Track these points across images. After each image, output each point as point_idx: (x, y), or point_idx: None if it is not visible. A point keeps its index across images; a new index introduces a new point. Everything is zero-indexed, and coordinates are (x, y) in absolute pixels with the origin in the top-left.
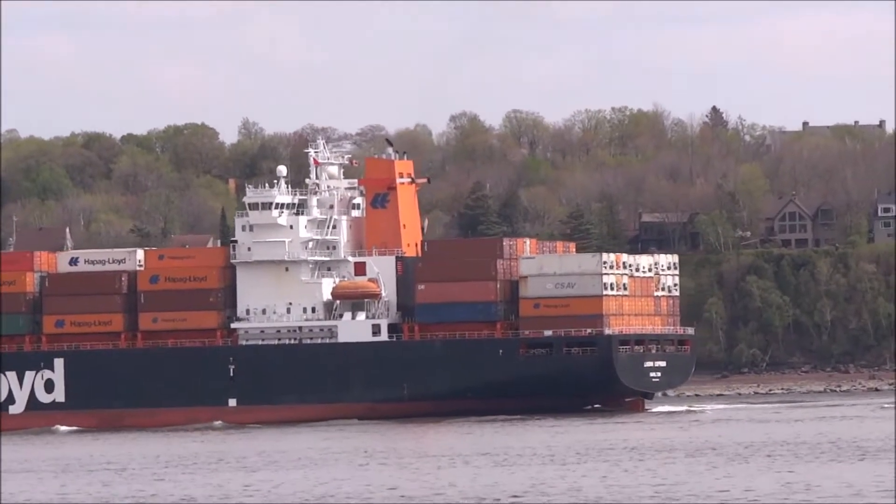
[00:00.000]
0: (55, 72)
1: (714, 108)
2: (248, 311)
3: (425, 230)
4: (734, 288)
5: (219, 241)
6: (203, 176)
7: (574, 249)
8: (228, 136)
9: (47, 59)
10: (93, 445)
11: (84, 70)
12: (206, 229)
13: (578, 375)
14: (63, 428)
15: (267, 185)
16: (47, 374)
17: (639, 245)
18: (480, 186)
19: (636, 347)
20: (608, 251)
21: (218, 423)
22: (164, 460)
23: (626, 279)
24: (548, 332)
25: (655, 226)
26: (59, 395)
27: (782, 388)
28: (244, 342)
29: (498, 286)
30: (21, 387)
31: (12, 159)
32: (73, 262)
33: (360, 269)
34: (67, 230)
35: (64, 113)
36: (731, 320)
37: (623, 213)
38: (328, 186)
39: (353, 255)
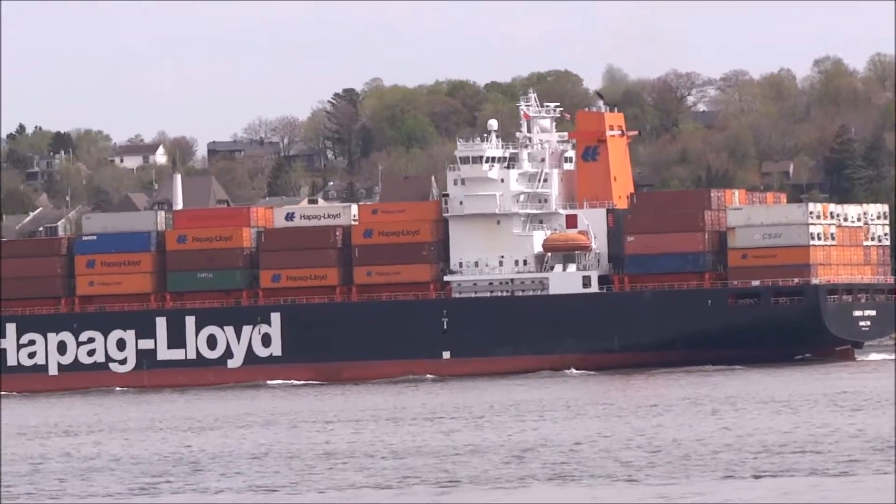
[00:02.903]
0: (419, 21)
1: None
2: (460, 265)
3: (791, 174)
4: None
5: None
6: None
7: (784, 200)
8: (592, 82)
9: (410, 9)
10: (371, 397)
11: (445, 19)
12: None
13: (786, 325)
14: (276, 382)
15: (478, 138)
16: (264, 328)
17: None
18: (845, 130)
19: (845, 297)
20: None
21: (431, 375)
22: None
23: (833, 229)
24: (755, 283)
25: None
26: (276, 349)
27: None
28: (457, 295)
29: (706, 237)
30: (239, 341)
31: (377, 108)
32: (290, 217)
33: (571, 221)
34: (433, 178)
35: (428, 61)
36: None
37: None
38: (540, 140)
39: (565, 208)
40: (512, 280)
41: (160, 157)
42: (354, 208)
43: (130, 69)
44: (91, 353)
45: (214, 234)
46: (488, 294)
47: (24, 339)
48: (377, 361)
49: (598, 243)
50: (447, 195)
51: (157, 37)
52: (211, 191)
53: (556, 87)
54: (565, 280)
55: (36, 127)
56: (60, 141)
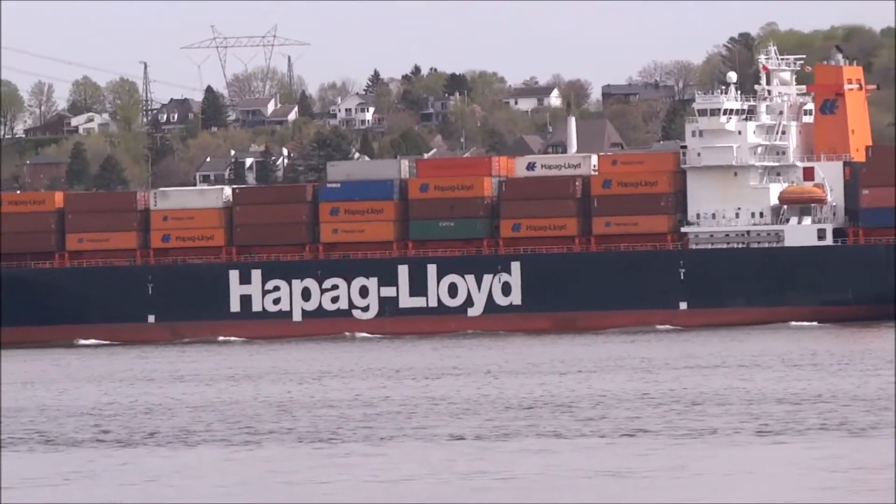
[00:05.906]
0: None
1: None
2: (697, 216)
3: None
4: None
5: None
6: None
7: None
8: None
9: None
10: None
11: None
12: None
13: None
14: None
15: (718, 91)
16: (504, 277)
17: None
18: None
19: None
20: None
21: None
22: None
23: None
24: None
25: None
26: (515, 298)
27: None
28: (694, 246)
29: None
30: (479, 290)
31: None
32: (531, 166)
33: (808, 174)
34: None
35: (824, 5)
36: None
37: None
38: (779, 93)
39: (802, 161)
40: (748, 232)
41: (554, 99)
42: (594, 158)
43: (527, 11)
44: (334, 299)
45: (456, 182)
46: (724, 245)
47: (269, 285)
48: (613, 311)
49: (835, 196)
50: (685, 147)
51: None
52: (605, 134)
53: None
54: (800, 232)
55: (431, 68)
56: (455, 83)
